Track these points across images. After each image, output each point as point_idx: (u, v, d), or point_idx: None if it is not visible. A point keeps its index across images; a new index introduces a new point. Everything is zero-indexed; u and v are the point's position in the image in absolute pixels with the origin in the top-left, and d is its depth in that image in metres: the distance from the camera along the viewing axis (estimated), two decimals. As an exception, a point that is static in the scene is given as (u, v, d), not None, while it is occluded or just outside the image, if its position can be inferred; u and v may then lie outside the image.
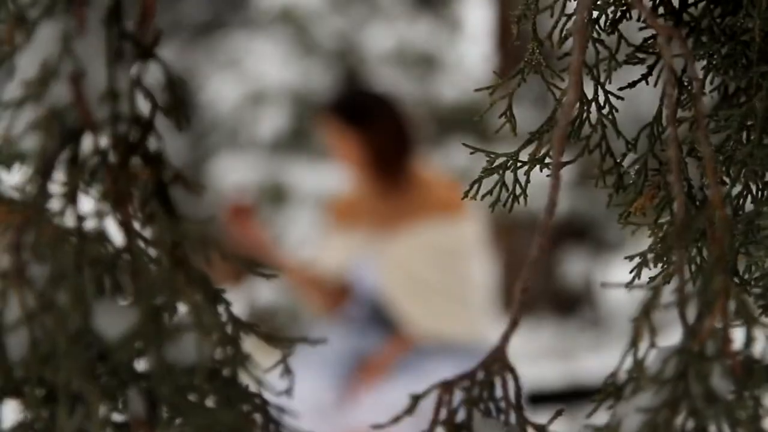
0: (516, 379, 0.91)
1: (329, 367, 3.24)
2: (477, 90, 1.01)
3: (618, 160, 0.97)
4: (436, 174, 3.52)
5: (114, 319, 0.80)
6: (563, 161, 0.85)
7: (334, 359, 3.27)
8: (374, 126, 3.25)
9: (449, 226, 3.25)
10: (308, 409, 3.13)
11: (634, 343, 0.74)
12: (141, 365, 0.85)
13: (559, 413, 0.92)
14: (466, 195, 0.98)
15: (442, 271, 3.26)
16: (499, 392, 0.91)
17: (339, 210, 3.48)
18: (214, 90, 14.31)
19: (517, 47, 0.99)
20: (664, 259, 0.90)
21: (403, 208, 3.30)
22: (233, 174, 12.85)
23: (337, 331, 3.34)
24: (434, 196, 3.27)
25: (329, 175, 12.86)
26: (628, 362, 0.77)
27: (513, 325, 0.82)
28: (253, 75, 13.63)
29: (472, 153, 0.97)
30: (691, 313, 0.74)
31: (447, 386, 0.92)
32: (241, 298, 13.52)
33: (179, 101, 0.80)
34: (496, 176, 0.94)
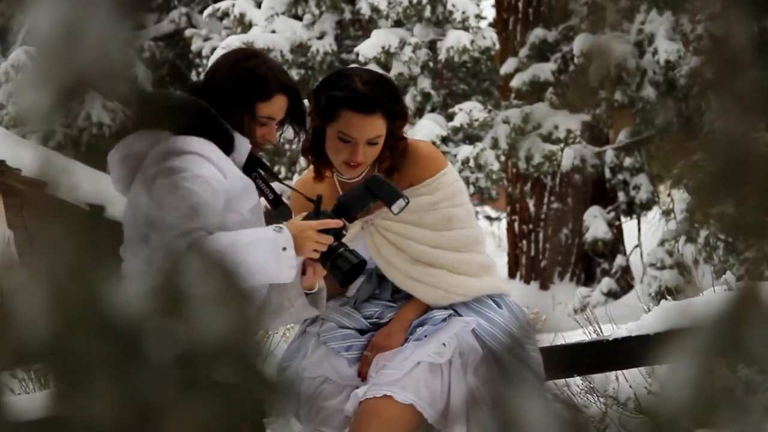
0: (535, 344, 0.92)
1: (348, 341, 3.30)
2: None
3: (643, 110, 0.97)
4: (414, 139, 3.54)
5: (127, 296, 0.80)
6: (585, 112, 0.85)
7: (350, 334, 3.32)
8: (386, 116, 3.27)
9: (437, 179, 3.31)
10: (357, 383, 3.21)
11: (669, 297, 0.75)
12: (154, 343, 0.85)
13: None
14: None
15: (442, 223, 3.33)
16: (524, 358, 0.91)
17: (300, 185, 3.46)
18: (213, 50, 14.27)
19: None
20: (699, 210, 0.90)
21: (394, 175, 3.33)
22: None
23: (347, 308, 3.39)
24: (420, 161, 3.32)
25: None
26: (669, 316, 0.78)
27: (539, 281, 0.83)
28: (250, 34, 13.55)
29: (487, 109, 0.97)
30: (723, 264, 0.74)
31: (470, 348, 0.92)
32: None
33: (183, 63, 0.80)
34: (507, 128, 0.95)
